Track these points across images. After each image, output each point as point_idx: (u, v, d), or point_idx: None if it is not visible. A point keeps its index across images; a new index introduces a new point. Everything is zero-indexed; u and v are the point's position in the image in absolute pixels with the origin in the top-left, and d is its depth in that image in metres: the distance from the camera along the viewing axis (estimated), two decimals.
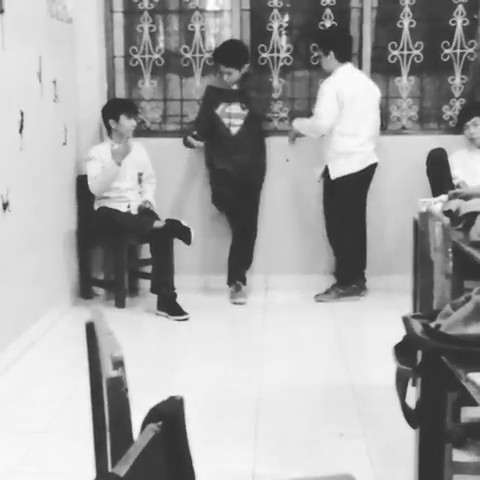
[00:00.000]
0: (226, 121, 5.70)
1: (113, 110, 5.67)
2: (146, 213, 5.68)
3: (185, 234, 5.42)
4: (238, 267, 5.84)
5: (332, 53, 5.56)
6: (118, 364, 1.46)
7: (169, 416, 1.33)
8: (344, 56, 5.63)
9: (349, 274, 5.75)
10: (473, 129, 5.64)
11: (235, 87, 5.71)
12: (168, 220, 5.56)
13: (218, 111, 5.71)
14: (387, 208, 6.03)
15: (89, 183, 5.55)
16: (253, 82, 5.92)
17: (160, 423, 1.30)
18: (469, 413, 3.15)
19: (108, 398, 1.47)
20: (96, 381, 1.74)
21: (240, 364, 4.44)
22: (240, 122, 5.68)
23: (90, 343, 1.77)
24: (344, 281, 5.73)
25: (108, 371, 1.48)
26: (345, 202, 5.60)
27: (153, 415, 1.32)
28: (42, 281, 4.98)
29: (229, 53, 5.71)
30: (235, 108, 5.70)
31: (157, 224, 5.48)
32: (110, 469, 1.56)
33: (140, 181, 5.81)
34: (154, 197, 5.81)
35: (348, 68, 5.62)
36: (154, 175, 5.87)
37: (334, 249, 5.82)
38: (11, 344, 4.40)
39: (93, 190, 5.57)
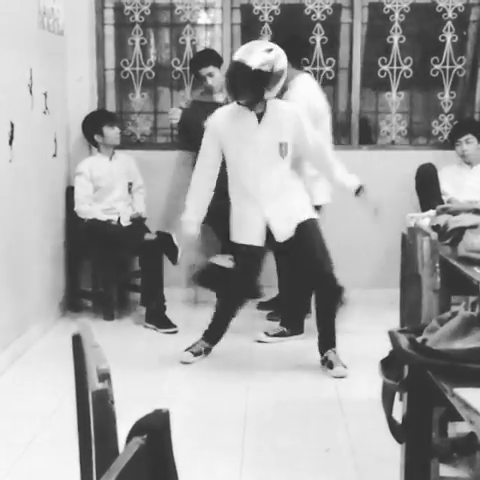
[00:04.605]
0: None
1: (94, 125, 5.69)
2: (137, 225, 5.69)
3: (173, 252, 5.43)
4: None
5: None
6: (104, 377, 1.46)
7: (154, 429, 1.32)
8: (299, 63, 5.38)
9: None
10: (465, 146, 5.67)
11: (220, 99, 5.70)
12: (159, 233, 5.56)
13: (206, 123, 5.70)
14: (376, 222, 6.03)
15: (75, 206, 5.61)
16: None
17: (145, 436, 1.29)
18: (458, 428, 3.16)
19: (94, 410, 1.47)
20: (82, 393, 1.74)
21: (227, 378, 4.43)
22: None
23: (76, 355, 1.76)
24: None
25: (94, 383, 1.47)
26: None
27: (138, 428, 1.32)
28: (30, 293, 4.96)
29: (204, 53, 5.84)
30: None
31: (148, 237, 5.48)
32: None
33: (130, 191, 5.82)
34: (145, 208, 5.83)
35: (306, 77, 5.36)
36: (143, 186, 5.88)
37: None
38: None
39: (78, 213, 5.61)
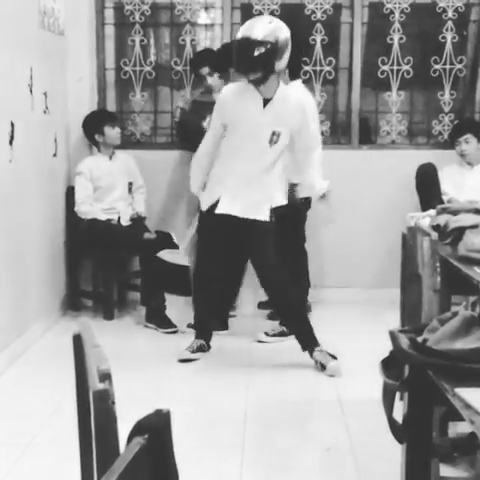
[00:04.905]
0: None
1: (96, 124, 5.68)
2: (137, 225, 5.69)
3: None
4: None
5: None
6: (105, 377, 1.45)
7: (155, 429, 1.32)
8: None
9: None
10: (465, 146, 5.67)
11: None
12: (159, 232, 5.56)
13: (205, 124, 5.70)
14: (376, 222, 6.04)
15: (76, 207, 5.61)
16: None
17: (146, 436, 1.29)
18: (458, 428, 3.16)
19: (95, 411, 1.47)
20: (83, 393, 1.74)
21: (228, 377, 4.43)
22: None
23: (77, 355, 1.76)
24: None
25: (95, 383, 1.47)
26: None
27: (139, 428, 1.31)
28: (30, 293, 4.96)
29: (204, 52, 5.80)
30: None
31: (147, 236, 5.48)
32: None
33: (130, 190, 5.83)
34: (144, 207, 5.84)
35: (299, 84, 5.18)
36: (143, 185, 5.89)
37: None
38: None
39: (79, 213, 5.61)
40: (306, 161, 4.57)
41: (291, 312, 4.63)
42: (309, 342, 4.57)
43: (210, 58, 5.66)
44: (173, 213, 6.11)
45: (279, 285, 4.58)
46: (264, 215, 4.50)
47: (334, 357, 4.50)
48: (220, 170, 4.53)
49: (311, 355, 4.55)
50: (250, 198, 4.47)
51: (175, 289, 5.36)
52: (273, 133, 4.40)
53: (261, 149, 4.43)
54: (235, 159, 4.47)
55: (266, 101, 4.40)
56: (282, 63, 4.35)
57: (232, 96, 4.46)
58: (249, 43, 4.25)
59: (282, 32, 4.31)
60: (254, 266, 4.68)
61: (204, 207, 4.57)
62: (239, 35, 4.37)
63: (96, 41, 6.06)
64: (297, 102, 4.46)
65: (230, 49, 5.36)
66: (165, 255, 5.13)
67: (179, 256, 5.09)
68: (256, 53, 4.23)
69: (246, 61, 4.30)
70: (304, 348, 4.59)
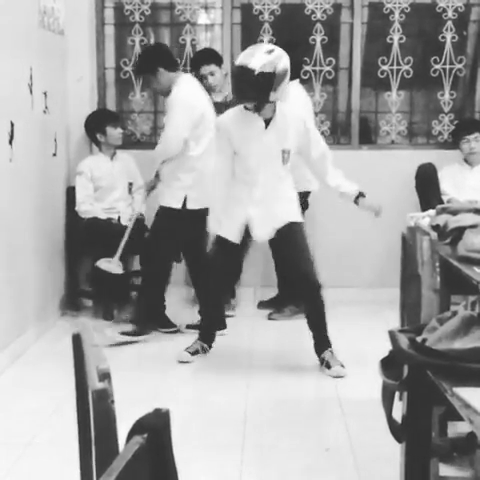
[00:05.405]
0: None
1: (98, 124, 5.69)
2: (137, 225, 5.69)
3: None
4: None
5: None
6: (104, 376, 1.46)
7: (154, 428, 1.32)
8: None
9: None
10: (474, 144, 5.67)
11: (218, 99, 5.67)
12: None
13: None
14: (376, 222, 6.02)
15: (77, 206, 5.62)
16: None
17: (145, 435, 1.29)
18: (457, 427, 3.17)
19: (94, 410, 1.47)
20: (82, 393, 1.74)
21: (227, 377, 4.43)
22: None
23: (76, 355, 1.76)
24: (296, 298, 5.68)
25: (94, 383, 1.47)
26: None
27: (138, 427, 1.32)
28: (29, 293, 4.96)
29: (205, 51, 5.80)
30: None
31: (148, 235, 5.48)
32: None
33: (130, 191, 5.83)
34: (144, 207, 5.83)
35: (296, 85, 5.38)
36: (143, 186, 5.87)
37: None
38: None
39: (79, 213, 5.62)
40: (323, 171, 4.54)
41: (317, 310, 4.56)
42: (324, 344, 4.56)
43: (212, 57, 5.65)
44: None
45: (312, 282, 4.53)
46: (293, 217, 4.54)
47: (342, 365, 4.49)
48: (235, 198, 4.52)
49: (319, 355, 4.54)
50: (276, 210, 4.48)
51: (113, 297, 5.59)
52: (283, 152, 4.41)
53: (275, 169, 4.45)
54: (251, 185, 4.46)
55: (267, 121, 4.41)
56: (278, 94, 4.34)
57: (233, 121, 4.45)
58: (245, 72, 4.25)
59: (281, 62, 4.29)
60: (290, 266, 4.68)
61: (223, 233, 4.53)
62: (238, 61, 4.38)
63: (96, 41, 6.07)
64: (297, 117, 4.47)
65: (156, 51, 5.37)
66: (101, 264, 5.19)
67: (113, 265, 5.16)
68: (252, 84, 4.24)
69: (242, 90, 4.33)
70: (318, 349, 4.56)
